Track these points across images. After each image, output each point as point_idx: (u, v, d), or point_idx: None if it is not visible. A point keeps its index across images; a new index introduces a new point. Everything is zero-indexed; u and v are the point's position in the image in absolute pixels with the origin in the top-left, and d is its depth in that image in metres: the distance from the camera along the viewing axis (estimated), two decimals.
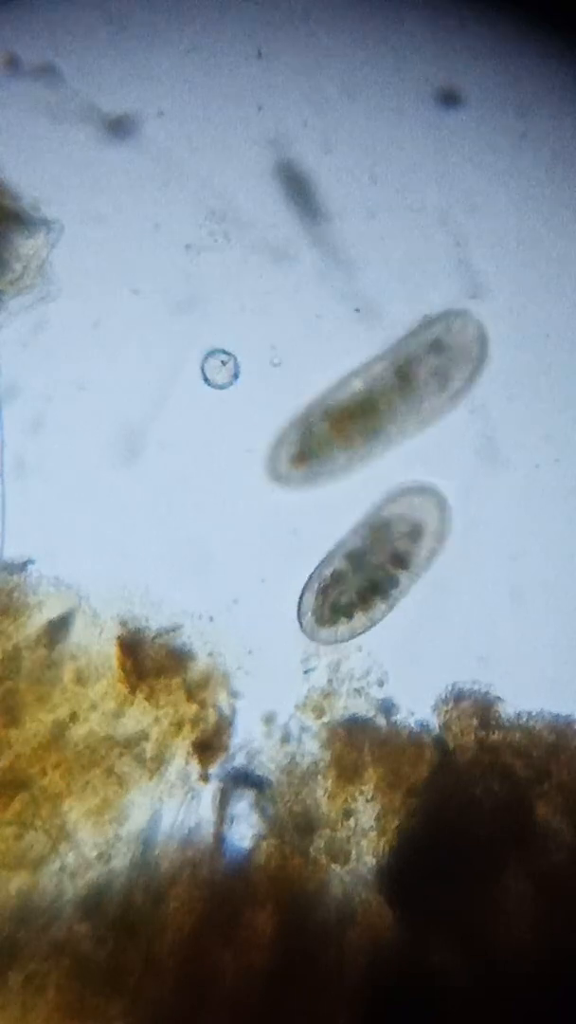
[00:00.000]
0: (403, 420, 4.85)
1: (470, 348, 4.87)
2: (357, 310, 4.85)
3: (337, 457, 4.88)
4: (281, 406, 5.03)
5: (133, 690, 4.78)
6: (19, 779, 4.63)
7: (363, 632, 4.92)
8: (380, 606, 4.92)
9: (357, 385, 4.83)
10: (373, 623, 4.93)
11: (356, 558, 4.90)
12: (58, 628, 4.76)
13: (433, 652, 4.90)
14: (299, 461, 4.84)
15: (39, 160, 4.97)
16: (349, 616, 4.89)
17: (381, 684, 4.88)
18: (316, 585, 4.94)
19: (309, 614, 4.92)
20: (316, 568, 4.96)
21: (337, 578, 4.91)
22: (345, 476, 4.97)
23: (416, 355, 4.84)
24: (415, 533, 4.90)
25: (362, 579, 4.88)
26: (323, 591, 4.91)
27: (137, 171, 5.03)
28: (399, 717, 4.87)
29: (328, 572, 4.93)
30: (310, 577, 4.96)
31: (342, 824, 4.73)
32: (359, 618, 4.91)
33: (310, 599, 4.93)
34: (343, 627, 4.90)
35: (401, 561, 4.83)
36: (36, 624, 4.75)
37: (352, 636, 4.91)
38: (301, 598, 4.94)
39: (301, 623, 4.93)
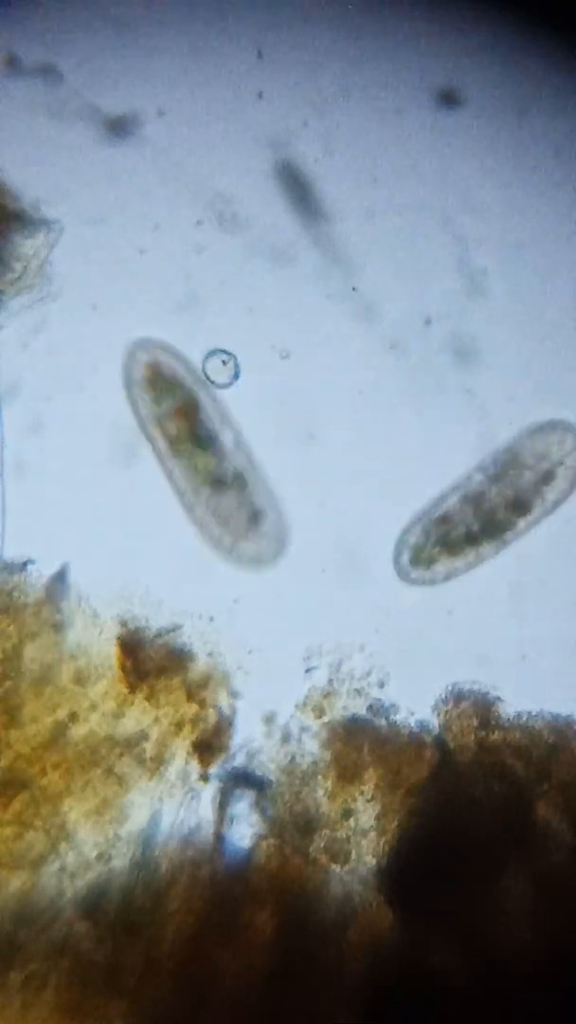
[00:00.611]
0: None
1: None
2: (354, 289, 4.84)
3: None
4: (283, 404, 5.04)
5: (133, 690, 4.78)
6: (19, 779, 4.63)
7: (458, 575, 4.89)
8: (488, 548, 4.88)
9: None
10: (473, 565, 4.89)
11: (473, 498, 4.85)
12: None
13: (433, 652, 4.90)
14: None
15: (39, 160, 4.97)
16: (454, 555, 4.82)
17: (382, 685, 4.88)
18: (422, 524, 4.89)
19: (406, 553, 4.87)
20: (428, 506, 4.94)
21: (447, 518, 4.85)
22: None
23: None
24: (545, 477, 4.81)
25: (476, 520, 4.81)
26: (429, 530, 4.85)
27: (137, 171, 5.04)
28: (399, 717, 4.87)
29: (439, 511, 4.87)
30: (416, 516, 4.93)
31: (342, 824, 4.73)
32: (462, 559, 4.86)
33: (412, 538, 4.88)
34: (441, 567, 4.86)
35: (522, 506, 4.74)
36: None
37: (446, 579, 4.88)
38: (401, 537, 4.90)
39: (396, 563, 4.91)
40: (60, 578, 4.74)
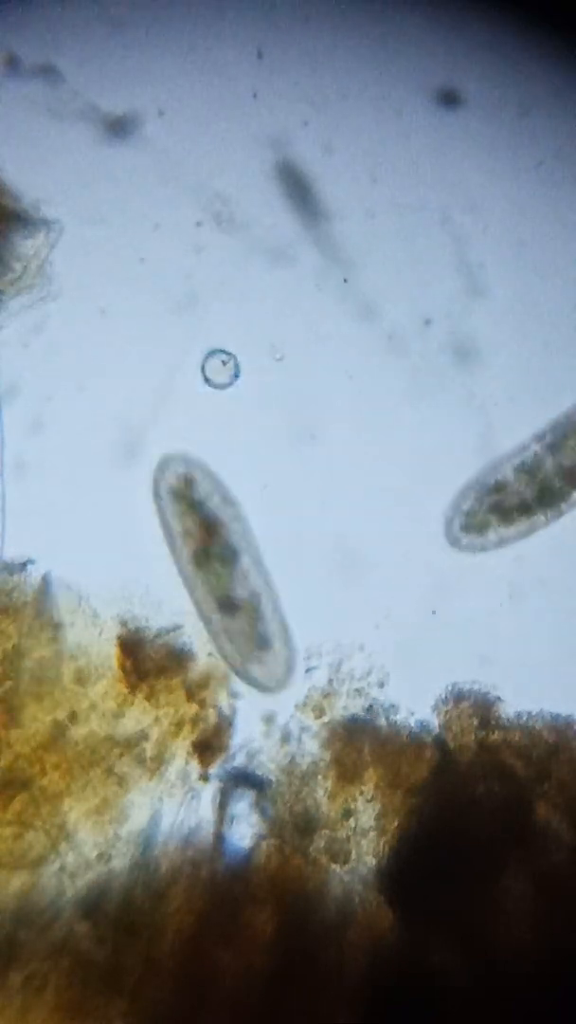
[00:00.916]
0: None
1: None
2: (345, 280, 4.85)
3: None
4: (283, 404, 5.04)
5: (133, 690, 4.78)
6: (19, 779, 4.63)
7: (511, 543, 4.89)
8: (541, 518, 4.87)
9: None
10: (525, 535, 4.89)
11: (527, 467, 4.83)
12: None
13: (433, 652, 4.90)
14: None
15: (39, 160, 4.97)
16: (507, 523, 4.81)
17: (381, 685, 4.88)
18: (476, 491, 4.88)
19: (457, 519, 4.86)
20: (482, 473, 4.95)
21: (502, 486, 4.83)
22: None
23: None
24: None
25: (531, 488, 4.79)
26: (483, 496, 4.83)
27: (137, 171, 5.04)
28: (399, 717, 4.87)
29: (494, 478, 4.86)
30: (468, 484, 4.94)
31: (342, 824, 4.73)
32: (516, 527, 4.85)
33: (465, 503, 4.87)
34: (493, 534, 4.85)
35: None
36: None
37: (498, 546, 4.87)
38: (454, 503, 4.90)
39: (447, 528, 4.90)
40: (44, 590, 4.74)
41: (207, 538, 4.82)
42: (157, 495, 4.91)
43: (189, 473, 4.87)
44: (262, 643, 4.84)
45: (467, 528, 4.92)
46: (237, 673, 4.81)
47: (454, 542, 4.96)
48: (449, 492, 5.02)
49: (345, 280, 4.90)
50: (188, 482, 4.84)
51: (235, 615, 4.80)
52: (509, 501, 4.87)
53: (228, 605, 4.80)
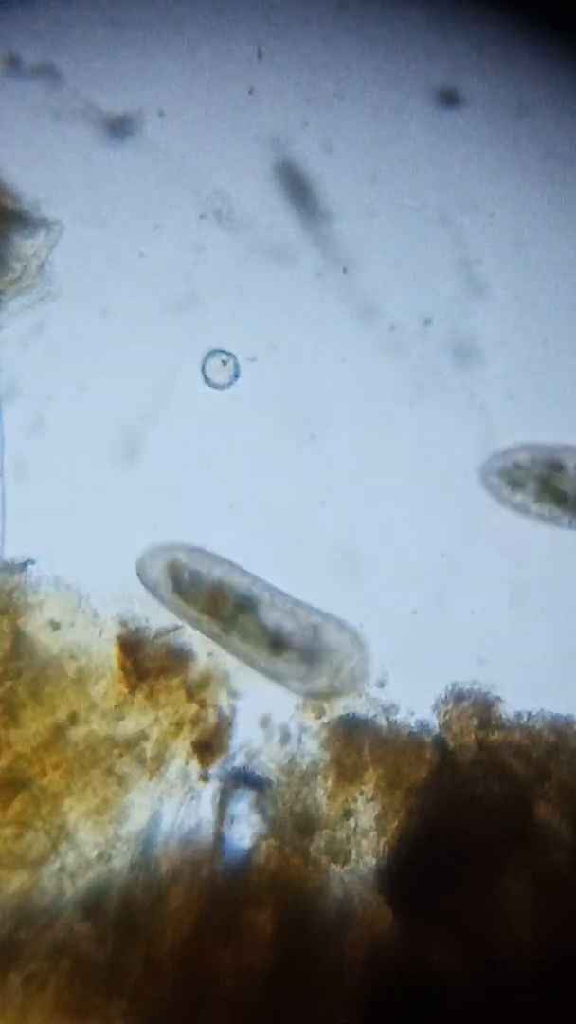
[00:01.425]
0: None
1: None
2: (345, 270, 4.84)
3: None
4: (283, 404, 5.04)
5: (133, 690, 4.78)
6: (19, 779, 4.63)
7: (526, 515, 4.89)
8: (565, 518, 4.88)
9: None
10: (543, 520, 4.88)
11: (554, 464, 4.83)
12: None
13: (433, 652, 4.90)
14: None
15: (39, 160, 4.97)
16: (539, 498, 4.80)
17: (382, 685, 4.88)
18: (533, 453, 4.87)
19: (502, 461, 4.86)
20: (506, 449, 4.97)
21: (560, 468, 4.82)
22: None
23: None
24: None
25: (549, 486, 4.81)
26: (538, 462, 4.82)
27: (137, 171, 5.04)
28: (399, 717, 4.87)
29: (559, 456, 4.87)
30: (493, 454, 4.96)
31: (342, 824, 4.73)
32: (541, 507, 4.85)
33: (521, 456, 4.86)
34: (519, 496, 4.84)
35: None
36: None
37: (514, 509, 4.87)
38: (511, 449, 4.91)
39: (486, 464, 4.91)
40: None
41: (219, 606, 4.84)
42: (156, 594, 4.91)
43: (173, 561, 4.88)
44: (312, 659, 4.85)
45: (504, 475, 4.90)
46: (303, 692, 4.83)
47: (485, 478, 4.94)
48: (449, 492, 5.03)
49: (345, 270, 4.90)
50: (175, 570, 4.86)
51: (279, 652, 4.83)
52: (553, 482, 4.86)
53: (274, 645, 4.82)
